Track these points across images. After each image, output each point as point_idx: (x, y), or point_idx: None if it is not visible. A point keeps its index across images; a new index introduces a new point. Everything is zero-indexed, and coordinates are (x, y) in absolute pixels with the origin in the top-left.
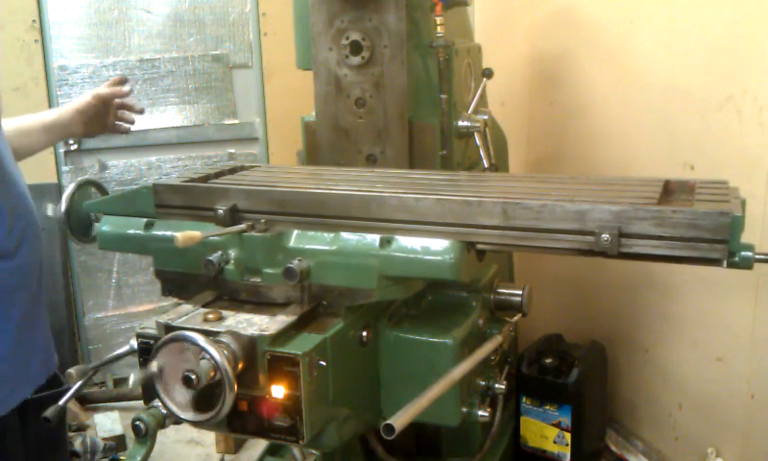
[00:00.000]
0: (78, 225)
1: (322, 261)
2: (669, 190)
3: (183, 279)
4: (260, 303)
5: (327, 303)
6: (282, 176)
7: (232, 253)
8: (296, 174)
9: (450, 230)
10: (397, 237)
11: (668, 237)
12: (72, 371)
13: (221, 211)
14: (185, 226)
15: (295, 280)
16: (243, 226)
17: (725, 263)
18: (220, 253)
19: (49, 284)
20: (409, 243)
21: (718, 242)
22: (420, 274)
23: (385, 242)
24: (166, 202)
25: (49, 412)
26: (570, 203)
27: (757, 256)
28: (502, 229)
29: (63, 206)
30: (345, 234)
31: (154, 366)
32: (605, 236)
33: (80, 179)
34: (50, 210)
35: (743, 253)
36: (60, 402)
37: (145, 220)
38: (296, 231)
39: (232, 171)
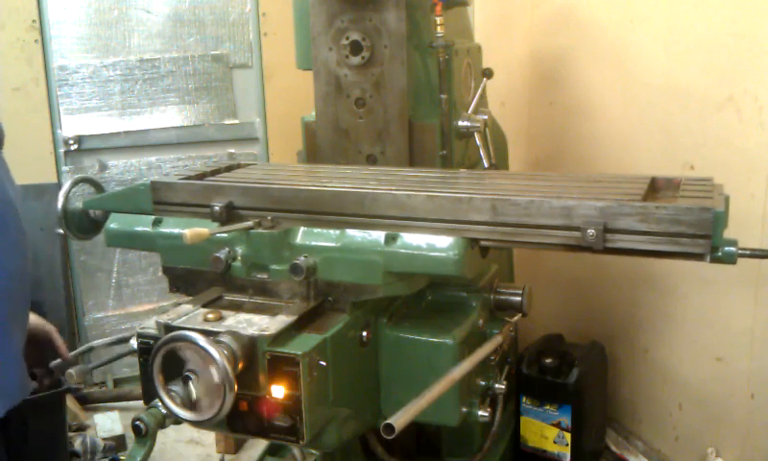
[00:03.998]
0: (74, 222)
1: (327, 258)
2: (655, 187)
3: (191, 275)
4: (266, 300)
5: (333, 298)
6: (278, 173)
7: (239, 249)
8: (291, 172)
9: (441, 227)
10: (402, 234)
11: (652, 233)
12: (72, 371)
13: (217, 208)
14: (193, 223)
15: (301, 277)
16: (250, 223)
17: (708, 258)
18: (227, 249)
19: (49, 284)
20: (414, 240)
21: (701, 237)
22: (425, 270)
23: (390, 239)
24: (164, 198)
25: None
26: (557, 199)
27: (741, 252)
28: (492, 224)
29: (60, 203)
30: (350, 231)
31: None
32: (590, 232)
33: (76, 176)
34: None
35: (726, 248)
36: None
37: (153, 217)
38: (302, 228)
39: (229, 169)
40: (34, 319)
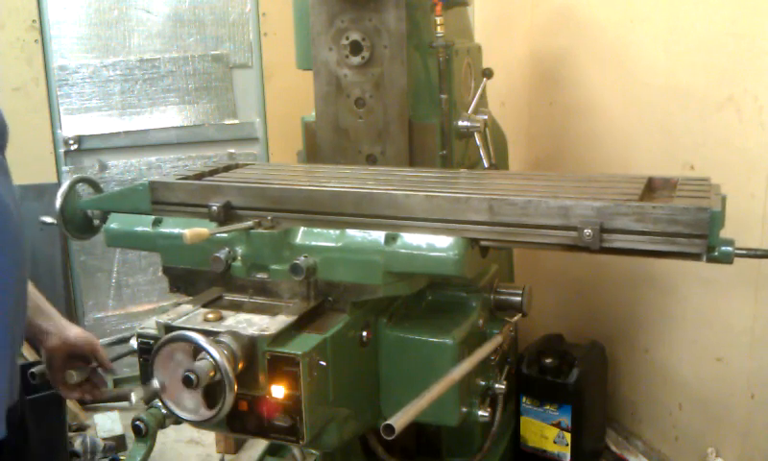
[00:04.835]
0: (73, 222)
1: (328, 258)
2: (652, 187)
3: (191, 275)
4: (266, 300)
5: (333, 298)
6: (276, 173)
7: (239, 249)
8: (289, 171)
9: (439, 227)
10: (402, 234)
11: (649, 232)
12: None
13: (215, 208)
14: (193, 223)
15: (301, 277)
16: (250, 223)
17: (705, 258)
18: (227, 249)
19: (49, 284)
20: (414, 240)
21: (697, 237)
22: (425, 270)
23: (390, 239)
24: (162, 198)
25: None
26: (554, 199)
27: (738, 251)
28: (489, 224)
29: (58, 203)
30: (350, 231)
31: (155, 383)
32: (587, 231)
33: (74, 176)
34: (48, 218)
35: (723, 247)
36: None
37: (153, 217)
38: (302, 228)
39: (227, 169)
40: (78, 333)
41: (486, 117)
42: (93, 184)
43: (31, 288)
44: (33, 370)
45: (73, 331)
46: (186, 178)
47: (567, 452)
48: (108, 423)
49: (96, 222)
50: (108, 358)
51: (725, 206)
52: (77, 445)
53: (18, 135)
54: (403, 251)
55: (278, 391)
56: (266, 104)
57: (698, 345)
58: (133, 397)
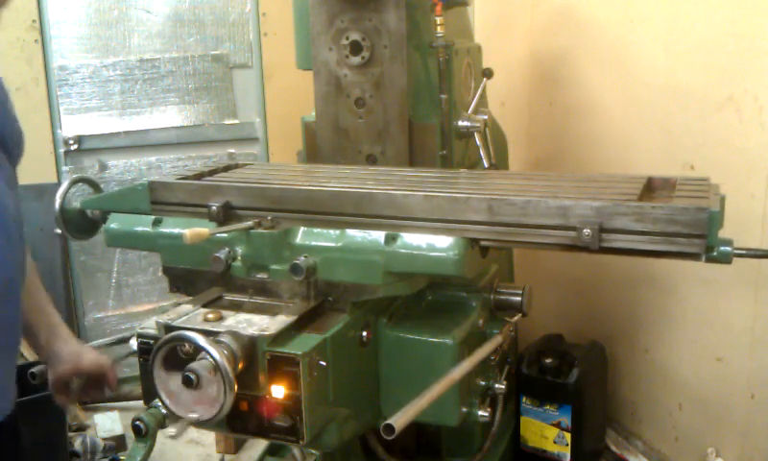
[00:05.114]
0: (72, 222)
1: (328, 258)
2: (652, 187)
3: (191, 275)
4: (266, 300)
5: (333, 298)
6: (275, 173)
7: (239, 249)
8: (289, 171)
9: (439, 226)
10: (402, 234)
11: (648, 232)
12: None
13: (214, 208)
14: (193, 223)
15: (301, 277)
16: (250, 223)
17: (704, 258)
18: (227, 249)
19: (49, 284)
20: (414, 240)
21: (696, 237)
22: (425, 270)
23: (390, 239)
24: (161, 198)
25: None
26: (553, 199)
27: (737, 251)
28: (488, 224)
29: (58, 203)
30: (350, 231)
31: (191, 415)
32: (586, 231)
33: (73, 176)
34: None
35: (722, 247)
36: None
37: (153, 217)
38: (302, 228)
39: (227, 169)
40: (91, 359)
41: (486, 117)
42: (93, 184)
43: (47, 304)
44: (33, 370)
45: (86, 358)
46: (186, 178)
47: (567, 452)
48: (108, 423)
49: (96, 222)
50: (116, 378)
51: (724, 206)
52: (77, 445)
53: None
54: (403, 251)
55: (278, 391)
56: (266, 104)
57: (698, 345)
58: (172, 431)
